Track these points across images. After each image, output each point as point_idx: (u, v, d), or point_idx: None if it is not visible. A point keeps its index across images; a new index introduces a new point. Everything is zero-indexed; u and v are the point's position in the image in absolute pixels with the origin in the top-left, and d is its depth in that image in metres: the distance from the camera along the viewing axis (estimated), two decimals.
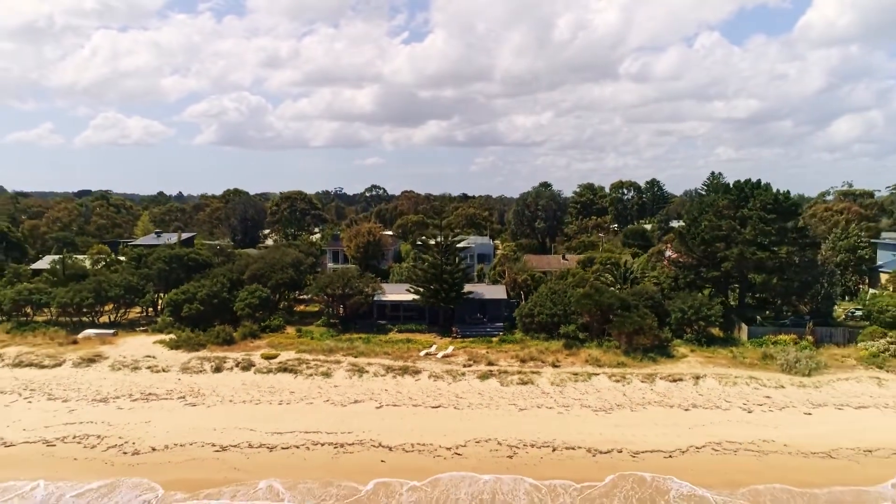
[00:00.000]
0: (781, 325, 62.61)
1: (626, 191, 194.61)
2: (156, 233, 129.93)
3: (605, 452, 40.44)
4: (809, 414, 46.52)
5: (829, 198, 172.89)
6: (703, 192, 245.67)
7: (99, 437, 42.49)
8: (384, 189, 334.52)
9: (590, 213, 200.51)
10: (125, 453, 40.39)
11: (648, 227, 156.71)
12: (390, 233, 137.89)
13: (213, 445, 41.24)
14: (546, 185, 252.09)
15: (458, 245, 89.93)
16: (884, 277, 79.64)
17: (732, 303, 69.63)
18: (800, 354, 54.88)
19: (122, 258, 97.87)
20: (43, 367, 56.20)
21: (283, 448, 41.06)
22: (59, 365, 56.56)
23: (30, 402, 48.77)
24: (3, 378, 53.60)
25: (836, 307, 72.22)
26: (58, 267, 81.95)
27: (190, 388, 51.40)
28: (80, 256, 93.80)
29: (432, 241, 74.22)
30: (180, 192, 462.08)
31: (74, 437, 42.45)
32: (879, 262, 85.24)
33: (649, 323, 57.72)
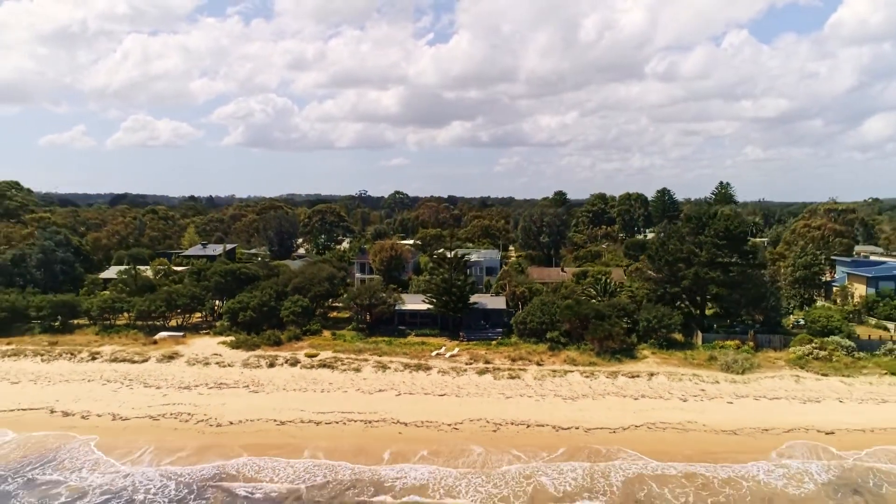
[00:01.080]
0: (731, 333, 75.52)
1: (633, 202, 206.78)
2: (202, 244, 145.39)
3: (566, 429, 54.05)
4: (731, 403, 59.65)
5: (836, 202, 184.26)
6: (711, 202, 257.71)
7: (189, 414, 57.09)
8: (406, 195, 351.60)
9: (601, 221, 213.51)
10: (211, 425, 54.91)
11: (651, 236, 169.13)
12: (411, 242, 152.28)
13: (275, 421, 55.59)
14: (561, 194, 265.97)
15: (468, 260, 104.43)
16: (835, 290, 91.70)
17: (699, 312, 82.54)
18: (737, 356, 67.88)
19: (177, 268, 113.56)
20: (134, 362, 71.14)
21: (325, 423, 55.25)
22: (146, 360, 71.45)
23: (131, 388, 63.61)
24: (107, 370, 68.62)
25: (790, 316, 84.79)
26: (126, 277, 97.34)
27: (251, 379, 65.89)
28: (143, 267, 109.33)
29: (447, 255, 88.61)
30: (211, 196, 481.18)
31: (171, 414, 57.11)
32: (835, 278, 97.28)
33: (617, 330, 71.09)
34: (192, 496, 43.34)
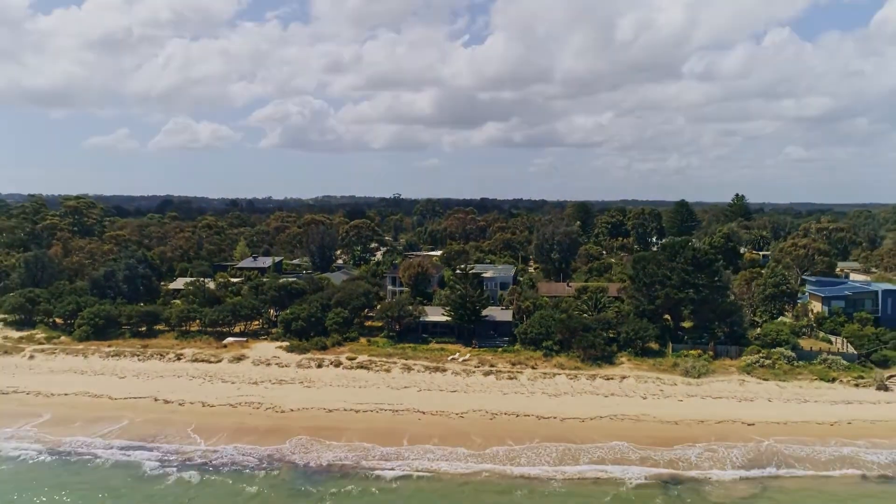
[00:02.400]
0: (698, 343, 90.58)
1: (646, 217, 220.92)
2: (252, 256, 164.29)
3: (546, 418, 70.28)
4: (681, 401, 75.20)
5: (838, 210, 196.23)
6: (728, 213, 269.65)
7: (259, 403, 74.72)
8: (438, 201, 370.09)
9: (619, 233, 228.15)
10: (276, 412, 72.41)
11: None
12: (439, 254, 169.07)
13: (324, 409, 72.87)
14: (583, 205, 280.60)
15: (483, 277, 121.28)
16: (798, 307, 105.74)
17: (674, 325, 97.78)
18: (696, 363, 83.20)
19: (233, 279, 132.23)
20: (210, 362, 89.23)
21: (363, 411, 72.33)
22: (220, 361, 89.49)
23: (212, 383, 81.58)
24: (190, 369, 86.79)
25: (759, 329, 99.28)
26: (195, 289, 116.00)
27: (304, 377, 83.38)
28: (205, 279, 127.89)
29: (466, 273, 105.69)
30: (251, 201, 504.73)
31: (246, 403, 74.81)
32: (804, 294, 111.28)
33: (599, 341, 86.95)
34: (266, 465, 60.73)
